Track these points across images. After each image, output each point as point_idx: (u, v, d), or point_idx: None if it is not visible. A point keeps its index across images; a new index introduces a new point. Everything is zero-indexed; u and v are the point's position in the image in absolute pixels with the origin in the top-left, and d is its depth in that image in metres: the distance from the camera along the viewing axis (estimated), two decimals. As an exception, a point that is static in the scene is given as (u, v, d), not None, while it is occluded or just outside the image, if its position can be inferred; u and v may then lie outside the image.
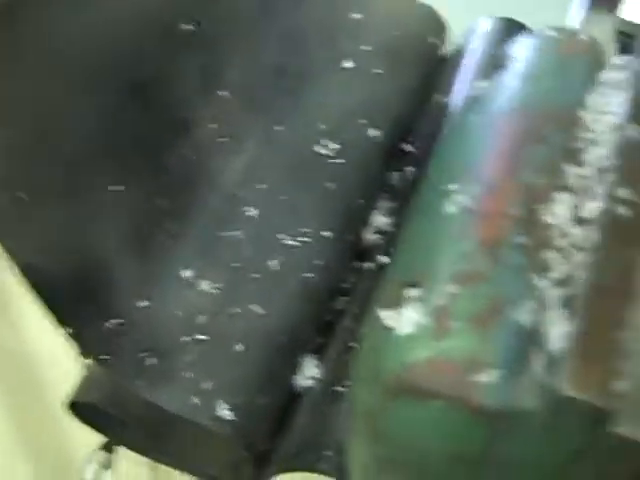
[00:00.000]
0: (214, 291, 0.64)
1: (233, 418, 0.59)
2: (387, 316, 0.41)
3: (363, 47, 0.75)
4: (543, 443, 0.37)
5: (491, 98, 0.48)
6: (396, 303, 0.41)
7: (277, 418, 0.62)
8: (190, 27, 0.64)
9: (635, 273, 0.36)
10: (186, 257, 0.64)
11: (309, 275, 0.65)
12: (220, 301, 0.64)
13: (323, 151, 0.70)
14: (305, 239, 0.67)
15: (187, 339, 0.62)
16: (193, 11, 0.65)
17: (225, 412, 0.59)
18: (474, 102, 0.50)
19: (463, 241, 0.41)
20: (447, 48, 0.78)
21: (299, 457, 0.61)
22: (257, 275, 0.65)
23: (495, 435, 0.38)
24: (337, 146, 0.70)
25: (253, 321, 0.63)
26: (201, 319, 0.63)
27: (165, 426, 0.63)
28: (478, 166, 0.44)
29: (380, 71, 0.74)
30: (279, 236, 0.67)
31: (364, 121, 0.71)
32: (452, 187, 0.44)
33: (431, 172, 0.49)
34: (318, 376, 0.62)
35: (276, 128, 0.71)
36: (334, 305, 0.65)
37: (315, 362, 0.63)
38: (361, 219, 0.68)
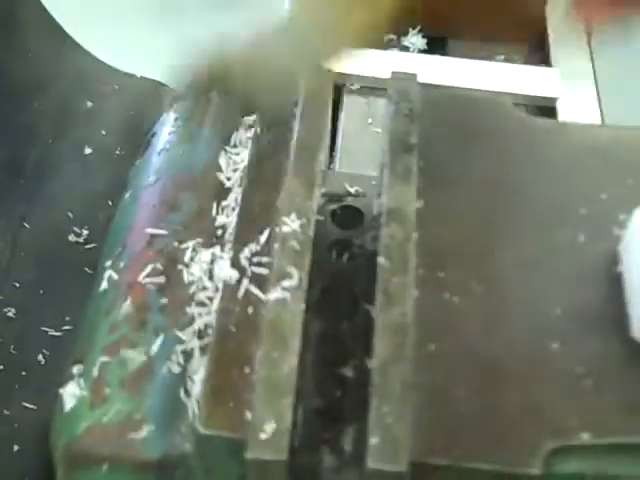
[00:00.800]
0: (-19, 398, 0.64)
1: (18, 521, 0.59)
2: (61, 394, 0.44)
3: (101, 132, 0.77)
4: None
5: (138, 174, 0.52)
6: (66, 381, 0.44)
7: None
8: None
9: (257, 314, 0.41)
10: (-53, 369, 0.64)
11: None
12: (-11, 407, 0.64)
13: (75, 238, 0.72)
14: (69, 327, 0.68)
15: (-40, 450, 0.62)
16: None
17: (9, 516, 0.59)
18: (129, 180, 0.54)
19: (112, 313, 0.44)
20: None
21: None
22: (24, 372, 0.66)
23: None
24: (87, 231, 0.72)
25: (26, 419, 0.64)
26: (-28, 428, 0.63)
27: None
28: (124, 241, 0.48)
29: (120, 152, 0.76)
30: (42, 330, 0.68)
31: (110, 202, 0.73)
32: (106, 264, 0.47)
33: (100, 254, 0.53)
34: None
35: (23, 225, 0.72)
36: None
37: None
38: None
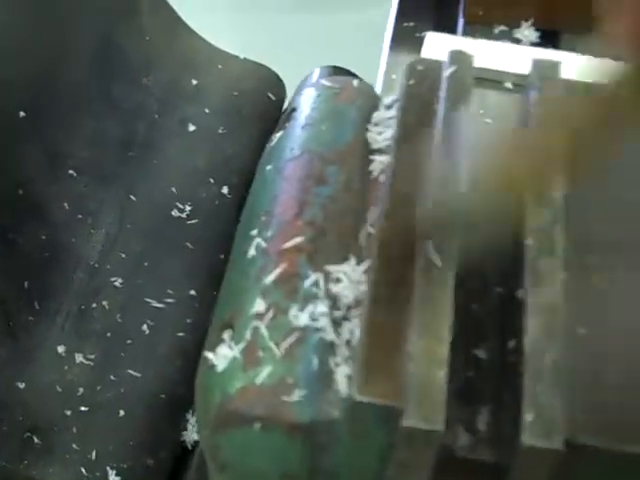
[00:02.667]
0: (89, 362, 0.66)
1: (123, 483, 0.61)
2: (210, 357, 0.45)
3: (205, 110, 0.79)
4: (357, 451, 0.41)
5: (281, 147, 0.53)
6: (216, 344, 0.46)
7: (169, 476, 0.64)
8: (24, 114, 0.67)
9: (407, 286, 0.42)
10: (57, 334, 0.66)
11: (180, 334, 0.68)
12: (97, 371, 0.66)
13: (178, 214, 0.74)
14: (171, 300, 0.70)
15: (69, 413, 0.64)
16: (25, 98, 0.68)
17: (114, 478, 0.61)
18: (270, 152, 0.55)
19: (262, 279, 0.46)
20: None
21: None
22: (130, 341, 0.67)
23: (313, 449, 0.42)
24: (190, 207, 0.74)
25: (131, 385, 0.65)
26: (80, 391, 0.65)
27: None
28: (271, 211, 0.49)
29: (223, 130, 0.78)
30: (147, 301, 0.69)
31: (212, 180, 0.75)
32: (253, 232, 0.49)
33: (241, 221, 0.54)
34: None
35: (130, 198, 0.74)
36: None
37: (198, 415, 0.65)
38: (222, 273, 0.71)
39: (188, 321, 0.69)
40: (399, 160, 0.46)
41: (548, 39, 0.70)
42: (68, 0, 0.73)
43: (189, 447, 0.65)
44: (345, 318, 0.44)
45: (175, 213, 0.74)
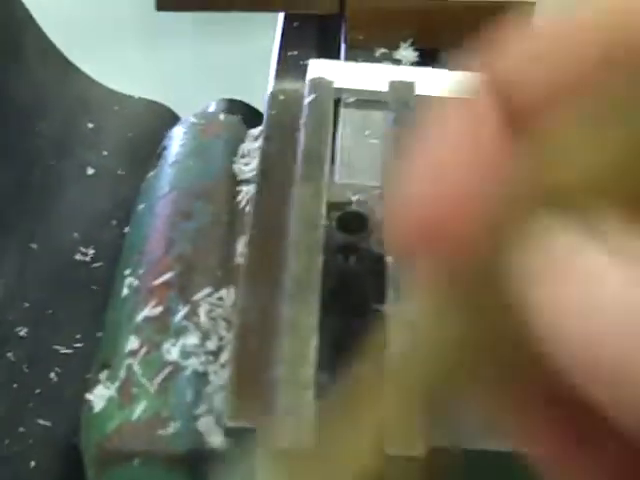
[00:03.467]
0: (-4, 417, 0.66)
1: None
2: (89, 398, 0.46)
3: (103, 152, 0.79)
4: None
5: (152, 186, 0.54)
6: (94, 384, 0.46)
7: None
8: None
9: (273, 312, 0.43)
10: (-39, 391, 0.66)
11: (89, 376, 0.68)
12: (4, 425, 0.65)
13: (82, 257, 0.74)
14: (79, 345, 0.69)
15: (-24, 472, 0.63)
16: None
17: (28, 532, 0.61)
18: (142, 192, 0.56)
19: (135, 317, 0.46)
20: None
21: None
22: (38, 390, 0.67)
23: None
24: (93, 250, 0.74)
25: (41, 435, 0.65)
26: (-12, 448, 0.64)
27: None
28: (143, 249, 0.50)
29: (122, 172, 0.78)
30: (54, 348, 0.69)
31: (115, 221, 0.75)
32: (126, 272, 0.49)
33: (118, 263, 0.55)
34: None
35: (31, 247, 0.74)
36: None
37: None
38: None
39: (96, 364, 0.68)
40: (262, 190, 0.47)
41: (428, 58, 0.71)
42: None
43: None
44: (219, 347, 0.45)
45: (79, 257, 0.74)
